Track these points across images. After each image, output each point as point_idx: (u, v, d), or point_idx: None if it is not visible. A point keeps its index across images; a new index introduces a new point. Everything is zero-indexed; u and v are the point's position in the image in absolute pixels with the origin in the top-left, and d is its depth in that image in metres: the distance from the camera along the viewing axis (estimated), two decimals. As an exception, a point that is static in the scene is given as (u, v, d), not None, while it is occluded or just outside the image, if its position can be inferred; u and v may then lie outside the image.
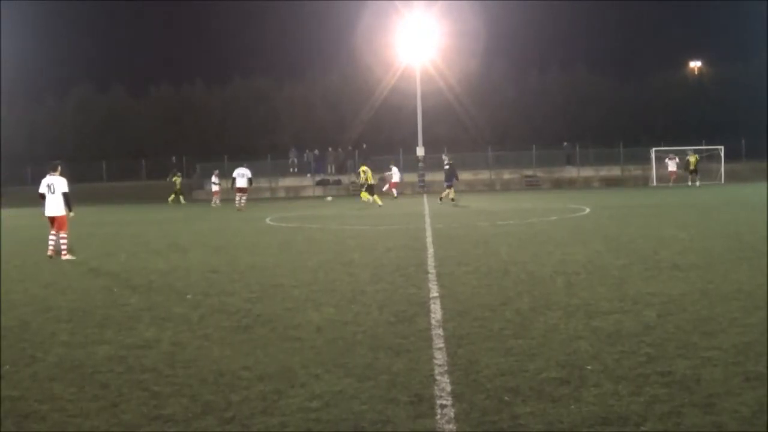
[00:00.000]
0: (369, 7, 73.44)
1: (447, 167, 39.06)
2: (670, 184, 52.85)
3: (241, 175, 39.69)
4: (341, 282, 12.02)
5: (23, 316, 9.78)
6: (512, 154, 65.38)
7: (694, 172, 52.01)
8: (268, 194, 58.94)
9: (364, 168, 38.62)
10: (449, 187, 38.42)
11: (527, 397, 5.80)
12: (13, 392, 6.34)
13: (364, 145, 66.85)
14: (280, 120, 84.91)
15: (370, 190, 37.31)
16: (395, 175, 48.79)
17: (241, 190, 39.62)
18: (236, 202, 39.57)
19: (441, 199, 38.78)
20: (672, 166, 54.30)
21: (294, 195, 59.57)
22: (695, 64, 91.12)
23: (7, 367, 7.19)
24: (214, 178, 45.93)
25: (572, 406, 5.56)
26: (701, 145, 57.44)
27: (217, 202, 44.87)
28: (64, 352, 7.74)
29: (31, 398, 6.16)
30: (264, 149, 67.26)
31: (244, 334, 8.30)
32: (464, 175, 59.38)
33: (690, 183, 52.00)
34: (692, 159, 52.57)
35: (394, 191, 47.95)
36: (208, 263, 15.11)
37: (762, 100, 71.70)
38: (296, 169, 67.01)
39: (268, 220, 28.46)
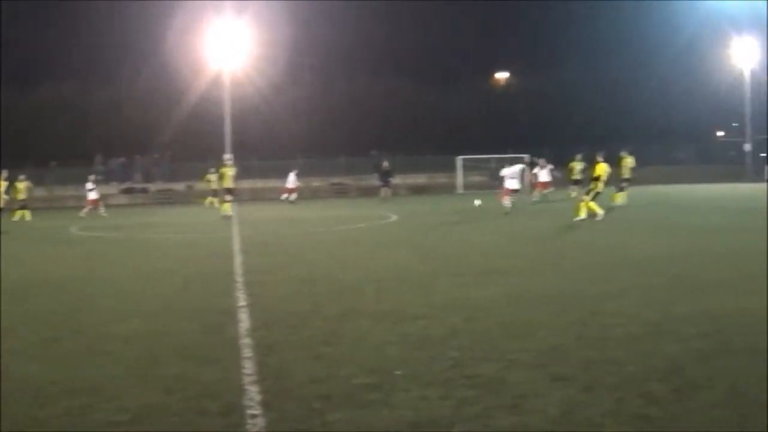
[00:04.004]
0: (180, 8, 72.06)
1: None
2: None
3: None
4: (148, 293, 11.68)
5: None
6: (321, 161, 65.55)
7: None
8: (72, 202, 56.56)
9: (210, 175, 37.04)
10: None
11: (339, 403, 5.77)
12: None
13: (170, 152, 65.57)
14: (87, 125, 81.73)
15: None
16: (544, 174, 40.24)
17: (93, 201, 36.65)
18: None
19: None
20: None
21: (102, 203, 57.47)
22: (502, 75, 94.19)
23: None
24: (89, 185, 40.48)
25: (383, 411, 5.57)
26: (507, 153, 59.36)
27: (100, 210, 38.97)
28: None
29: None
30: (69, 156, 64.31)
31: (52, 348, 7.91)
32: (272, 182, 59.36)
33: None
34: None
35: (544, 191, 39.56)
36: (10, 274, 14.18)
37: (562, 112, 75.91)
38: (102, 177, 64.87)
39: (73, 230, 27.27)
